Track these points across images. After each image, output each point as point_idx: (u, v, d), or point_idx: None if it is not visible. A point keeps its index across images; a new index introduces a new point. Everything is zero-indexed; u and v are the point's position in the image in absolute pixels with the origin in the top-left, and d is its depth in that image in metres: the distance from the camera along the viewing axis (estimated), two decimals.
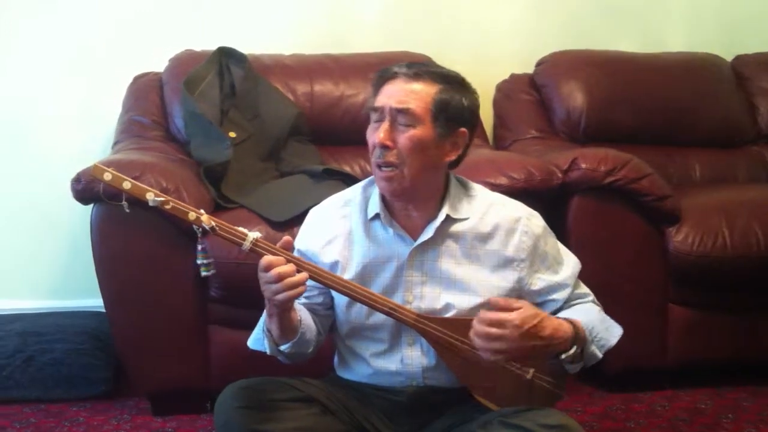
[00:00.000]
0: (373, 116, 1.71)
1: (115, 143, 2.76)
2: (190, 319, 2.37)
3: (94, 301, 2.61)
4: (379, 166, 1.69)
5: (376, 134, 1.68)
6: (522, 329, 1.58)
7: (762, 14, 3.50)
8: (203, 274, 1.67)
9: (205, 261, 1.67)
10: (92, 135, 3.05)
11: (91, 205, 2.29)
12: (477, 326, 1.60)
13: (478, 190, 1.83)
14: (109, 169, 1.58)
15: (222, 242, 2.18)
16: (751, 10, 3.49)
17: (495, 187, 2.16)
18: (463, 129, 1.73)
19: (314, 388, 1.75)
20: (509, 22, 3.35)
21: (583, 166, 2.44)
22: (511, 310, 1.60)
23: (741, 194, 2.77)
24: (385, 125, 1.67)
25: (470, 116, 1.74)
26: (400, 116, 1.67)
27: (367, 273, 1.75)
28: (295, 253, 1.74)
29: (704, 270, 2.49)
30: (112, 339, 2.52)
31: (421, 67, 1.71)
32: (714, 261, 2.48)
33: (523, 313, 1.59)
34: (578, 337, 1.68)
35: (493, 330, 1.58)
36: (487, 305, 1.70)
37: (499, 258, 1.76)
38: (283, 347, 1.70)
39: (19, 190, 3.07)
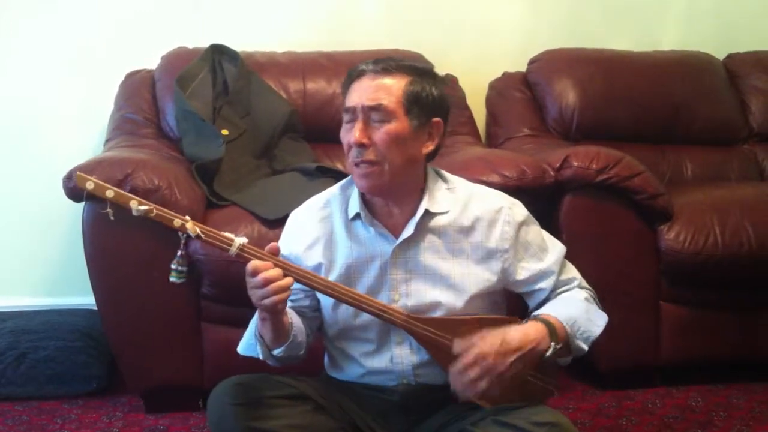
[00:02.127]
0: (346, 117, 1.70)
1: (107, 140, 2.76)
2: (183, 317, 2.37)
3: (87, 299, 2.61)
4: (357, 164, 1.68)
5: (351, 134, 1.67)
6: (492, 353, 1.59)
7: (755, 13, 3.51)
8: (171, 279, 1.62)
9: (179, 267, 1.62)
10: (91, 134, 3.05)
11: (83, 203, 2.29)
12: (455, 382, 1.62)
13: (457, 182, 1.82)
14: (92, 178, 1.54)
15: None
16: (744, 10, 3.50)
17: (487, 185, 2.16)
18: (437, 119, 1.72)
19: (307, 386, 1.74)
20: (502, 21, 3.36)
21: (576, 164, 2.44)
22: (470, 345, 1.60)
23: (733, 193, 2.78)
24: (359, 124, 1.66)
25: (442, 105, 1.73)
26: (373, 113, 1.65)
27: (351, 273, 1.75)
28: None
29: (696, 268, 2.50)
30: (104, 337, 2.52)
31: (388, 62, 1.70)
32: (705, 259, 2.48)
33: (484, 340, 1.61)
34: (555, 333, 1.67)
35: (471, 373, 1.59)
36: (473, 300, 1.73)
37: (482, 250, 1.75)
38: (275, 351, 1.69)
39: (15, 189, 3.07)
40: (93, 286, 2.33)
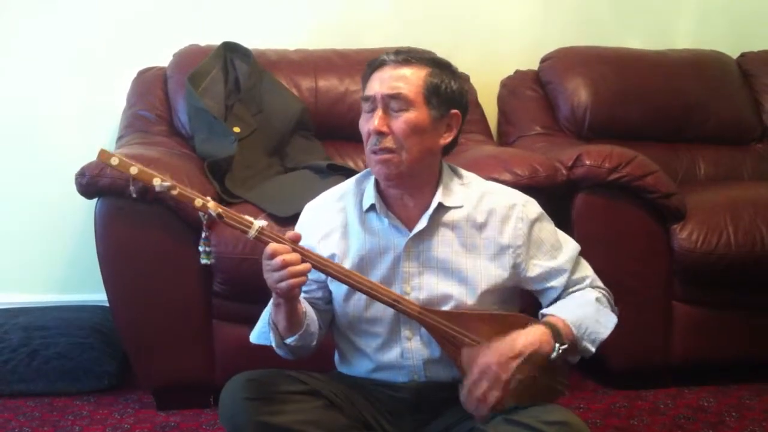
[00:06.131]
0: (365, 106, 1.71)
1: (120, 137, 2.77)
2: (194, 314, 2.37)
3: (99, 296, 2.62)
4: (375, 152, 1.69)
5: (370, 122, 1.68)
6: (494, 362, 1.61)
7: None
8: (202, 261, 1.67)
9: (207, 249, 1.67)
10: (94, 133, 3.05)
11: (95, 200, 2.30)
12: (468, 404, 1.64)
13: (472, 178, 1.83)
14: (116, 154, 1.57)
15: (226, 237, 2.20)
16: (758, 8, 3.48)
17: (500, 183, 2.15)
18: (455, 111, 1.73)
19: (319, 382, 1.75)
20: (514, 18, 3.35)
21: (588, 162, 2.44)
22: (473, 360, 1.63)
23: (746, 192, 2.77)
24: (379, 113, 1.67)
25: (461, 99, 1.75)
26: (393, 102, 1.67)
27: (364, 265, 1.75)
28: None
29: (709, 267, 2.49)
30: (116, 333, 2.53)
31: (408, 53, 1.72)
32: (718, 258, 2.47)
33: (485, 351, 1.63)
34: (560, 335, 1.67)
35: (480, 388, 1.61)
36: (484, 296, 1.73)
37: (495, 245, 1.75)
38: (288, 340, 1.70)
39: (24, 187, 3.08)
40: (105, 283, 2.34)
